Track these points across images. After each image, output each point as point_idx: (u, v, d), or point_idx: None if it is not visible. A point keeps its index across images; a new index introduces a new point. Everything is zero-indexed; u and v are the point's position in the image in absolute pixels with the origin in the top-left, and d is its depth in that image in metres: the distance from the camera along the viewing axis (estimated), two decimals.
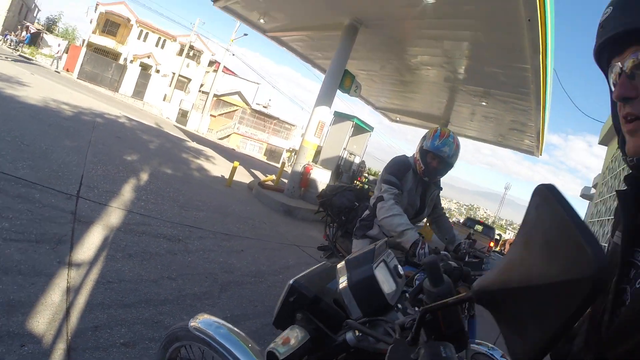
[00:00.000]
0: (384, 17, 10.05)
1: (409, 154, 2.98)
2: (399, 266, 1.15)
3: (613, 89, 0.73)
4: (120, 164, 7.17)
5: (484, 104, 14.32)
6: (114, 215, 4.57)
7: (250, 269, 4.63)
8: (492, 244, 15.74)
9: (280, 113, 47.41)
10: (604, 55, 0.75)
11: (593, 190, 13.97)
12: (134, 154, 8.80)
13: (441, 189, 3.09)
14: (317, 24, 11.91)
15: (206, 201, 7.20)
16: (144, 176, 7.03)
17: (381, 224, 2.60)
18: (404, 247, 2.45)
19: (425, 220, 3.22)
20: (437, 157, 2.72)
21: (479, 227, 16.51)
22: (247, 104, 43.03)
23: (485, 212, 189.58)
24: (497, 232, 51.84)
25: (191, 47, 36.65)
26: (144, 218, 4.92)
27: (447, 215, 3.26)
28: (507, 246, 37.76)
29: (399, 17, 9.76)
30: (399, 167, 2.78)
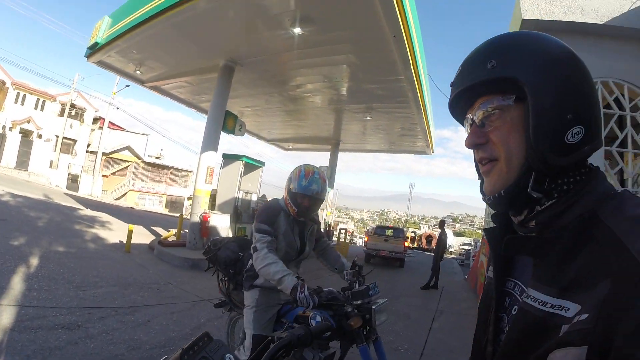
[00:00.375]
0: (258, 54, 10.34)
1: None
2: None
3: None
4: (5, 253, 6.55)
5: (368, 118, 15.18)
6: (4, 315, 4.13)
7: (159, 339, 4.36)
8: (406, 244, 16.35)
9: (174, 161, 45.79)
10: (458, 108, 0.84)
11: None
12: (20, 237, 8.06)
13: (318, 223, 3.12)
14: (193, 68, 11.94)
15: (104, 275, 6.78)
16: (34, 261, 6.46)
17: (259, 274, 2.61)
18: (285, 293, 2.46)
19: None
20: (306, 197, 2.76)
21: (389, 232, 17.08)
22: (139, 157, 40.85)
23: (396, 214, 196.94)
24: (411, 229, 54.30)
25: (72, 106, 33.54)
26: (38, 310, 4.51)
27: (334, 244, 3.30)
28: (424, 240, 39.62)
29: (273, 51, 10.10)
30: (268, 213, 2.79)
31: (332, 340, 2.53)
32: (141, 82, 14.08)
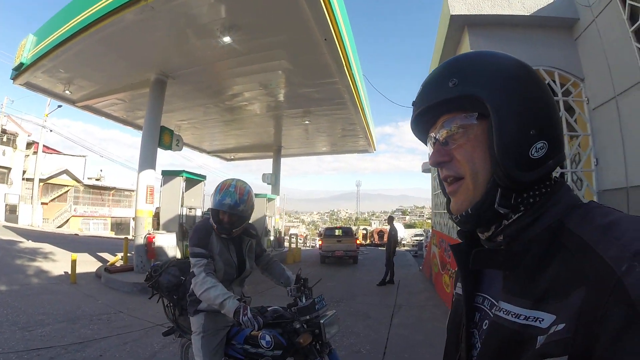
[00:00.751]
0: (190, 65, 10.10)
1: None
2: None
3: None
4: None
5: (307, 122, 15.26)
6: None
7: None
8: (358, 241, 16.72)
9: (116, 181, 44.38)
10: (421, 127, 0.83)
11: None
12: None
13: (257, 236, 3.02)
14: (124, 84, 11.46)
15: (51, 311, 6.44)
16: None
17: (201, 299, 2.50)
18: (229, 317, 2.37)
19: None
20: (221, 212, 2.69)
21: (338, 232, 17.35)
22: (78, 180, 39.03)
23: (347, 212, 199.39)
24: (362, 226, 55.05)
25: (3, 131, 31.36)
26: None
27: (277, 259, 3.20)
28: (376, 236, 40.20)
29: (205, 62, 9.91)
30: (199, 235, 2.68)
31: (286, 357, 2.50)
32: (72, 102, 13.39)
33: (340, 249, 15.47)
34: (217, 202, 2.67)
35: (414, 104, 0.80)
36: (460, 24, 6.83)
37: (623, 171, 5.41)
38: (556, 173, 0.74)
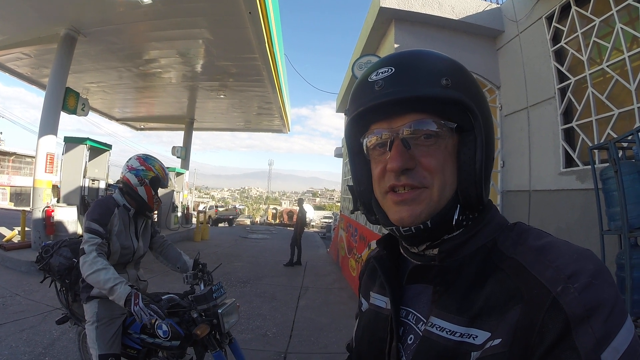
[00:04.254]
0: (105, 23, 9.21)
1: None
2: None
3: (371, 156, 0.73)
4: None
5: (222, 96, 14.86)
6: None
7: None
8: (270, 219, 17.08)
9: (17, 147, 39.61)
10: (368, 117, 0.71)
11: (343, 150, 15.92)
12: None
13: (150, 217, 2.88)
14: (32, 37, 10.15)
15: None
16: None
17: (88, 281, 2.29)
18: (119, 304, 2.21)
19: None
20: (160, 186, 2.66)
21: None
22: None
23: (257, 191, 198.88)
24: (272, 206, 55.41)
25: None
26: None
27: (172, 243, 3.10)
28: (285, 216, 40.68)
29: (121, 21, 9.12)
30: (100, 211, 2.49)
31: (185, 348, 2.41)
32: None
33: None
34: (157, 174, 2.62)
35: (382, 87, 0.66)
36: (389, 17, 6.90)
37: (527, 175, 5.88)
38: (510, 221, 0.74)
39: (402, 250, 0.78)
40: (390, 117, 0.68)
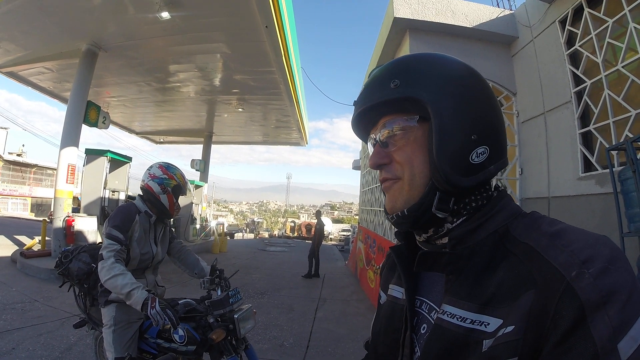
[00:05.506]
0: (125, 38, 9.48)
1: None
2: None
3: None
4: None
5: (241, 110, 14.95)
6: None
7: None
8: (289, 232, 16.98)
9: (38, 159, 40.25)
10: (362, 127, 0.82)
11: (361, 162, 15.90)
12: None
13: (168, 224, 2.95)
14: (53, 52, 10.49)
15: None
16: None
17: (106, 286, 2.33)
18: (136, 309, 2.24)
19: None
20: (181, 194, 2.73)
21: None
22: None
23: (276, 204, 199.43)
24: (290, 219, 55.46)
25: None
26: None
27: (189, 248, 3.12)
28: (303, 229, 40.66)
29: (141, 36, 9.37)
30: (123, 218, 2.53)
31: (200, 353, 2.40)
32: None
33: None
34: (179, 182, 2.71)
35: (355, 103, 0.78)
36: (403, 27, 6.92)
37: (546, 182, 5.78)
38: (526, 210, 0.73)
39: (417, 241, 0.80)
40: (374, 123, 0.78)
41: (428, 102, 0.68)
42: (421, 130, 0.71)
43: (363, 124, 0.81)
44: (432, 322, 0.69)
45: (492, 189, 0.74)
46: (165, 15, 7.89)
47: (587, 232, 0.59)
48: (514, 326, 0.55)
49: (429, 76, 0.70)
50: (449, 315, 0.64)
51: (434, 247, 0.75)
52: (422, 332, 0.71)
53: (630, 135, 4.15)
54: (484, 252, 0.65)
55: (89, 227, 9.52)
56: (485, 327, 0.58)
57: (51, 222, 9.45)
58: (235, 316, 2.37)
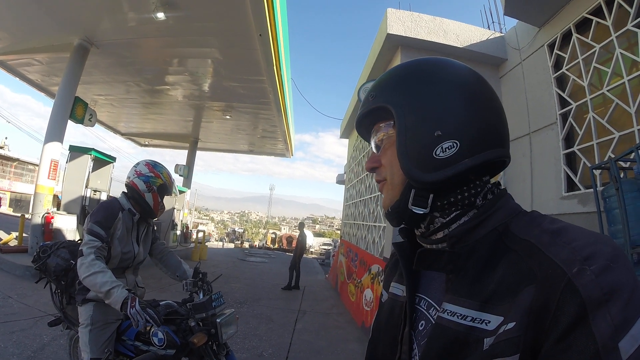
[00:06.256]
0: (117, 36, 9.39)
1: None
2: None
3: None
4: None
5: (228, 117, 14.96)
6: None
7: None
8: (269, 244, 16.91)
9: (21, 153, 39.10)
10: (365, 135, 0.87)
11: (345, 176, 15.97)
12: None
13: (151, 224, 2.89)
14: (45, 44, 10.32)
15: None
16: None
17: (84, 284, 2.25)
18: (115, 308, 2.18)
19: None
20: (167, 193, 2.67)
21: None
22: None
23: (257, 215, 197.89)
24: (271, 230, 55.27)
25: None
26: None
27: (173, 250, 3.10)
28: (284, 241, 40.56)
29: (133, 35, 9.30)
30: (105, 214, 2.47)
31: (179, 357, 2.34)
32: None
33: None
34: (165, 182, 2.65)
35: (361, 104, 0.85)
36: (395, 43, 7.01)
37: (529, 200, 5.87)
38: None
39: (417, 238, 0.81)
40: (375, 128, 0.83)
41: (390, 106, 0.73)
42: (395, 133, 0.74)
43: (366, 131, 0.86)
44: (430, 319, 0.70)
45: (491, 185, 0.75)
46: (160, 15, 7.88)
47: (589, 230, 0.59)
48: (514, 322, 0.55)
49: (393, 83, 0.76)
50: (450, 314, 0.64)
51: (431, 242, 0.76)
52: (420, 328, 0.72)
53: (613, 156, 4.26)
54: (484, 250, 0.65)
55: (68, 226, 9.36)
56: (486, 325, 0.59)
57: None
58: (218, 320, 2.33)
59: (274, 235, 43.69)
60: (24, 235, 9.74)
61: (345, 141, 15.28)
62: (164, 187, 2.64)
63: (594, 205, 3.95)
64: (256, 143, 20.07)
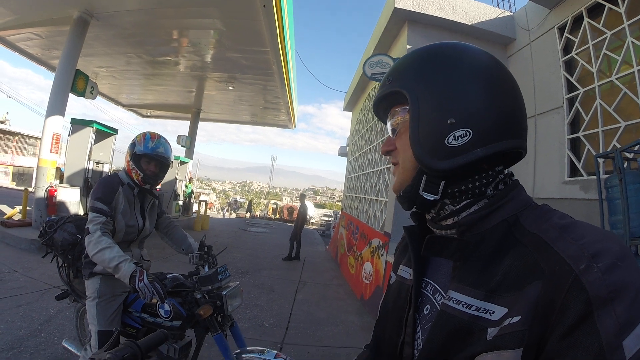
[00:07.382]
0: (117, 8, 9.23)
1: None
2: None
3: None
4: None
5: (231, 88, 14.85)
6: None
7: (5, 340, 3.77)
8: (271, 214, 16.97)
9: (22, 127, 38.79)
10: (383, 116, 0.87)
11: (348, 149, 15.93)
12: None
13: (158, 197, 2.91)
14: (44, 18, 10.15)
15: None
16: None
17: (94, 260, 2.32)
18: (124, 282, 2.23)
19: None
20: (154, 160, 2.61)
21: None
22: None
23: (259, 185, 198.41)
24: (273, 201, 55.45)
25: None
26: None
27: (176, 223, 3.11)
28: (285, 212, 40.66)
29: (134, 7, 9.13)
30: (105, 189, 2.49)
31: (185, 329, 2.41)
32: None
33: None
34: (151, 149, 2.56)
35: (379, 87, 0.84)
36: (402, 18, 6.91)
37: (531, 183, 5.89)
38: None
39: (427, 222, 0.82)
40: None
41: (405, 91, 0.73)
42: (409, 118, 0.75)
43: (383, 114, 0.87)
44: (436, 304, 0.72)
45: (503, 176, 0.74)
46: None
47: (597, 227, 0.60)
48: (520, 316, 0.56)
49: (410, 68, 0.75)
50: (455, 302, 0.65)
51: (440, 227, 0.77)
52: (425, 312, 0.74)
53: (618, 145, 4.26)
54: (492, 240, 0.66)
55: (71, 198, 9.40)
56: (490, 315, 0.60)
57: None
58: (224, 293, 2.37)
59: (275, 206, 43.81)
60: (28, 208, 9.82)
61: (349, 114, 15.17)
62: (165, 156, 2.64)
63: (595, 193, 3.98)
64: (259, 114, 19.94)
